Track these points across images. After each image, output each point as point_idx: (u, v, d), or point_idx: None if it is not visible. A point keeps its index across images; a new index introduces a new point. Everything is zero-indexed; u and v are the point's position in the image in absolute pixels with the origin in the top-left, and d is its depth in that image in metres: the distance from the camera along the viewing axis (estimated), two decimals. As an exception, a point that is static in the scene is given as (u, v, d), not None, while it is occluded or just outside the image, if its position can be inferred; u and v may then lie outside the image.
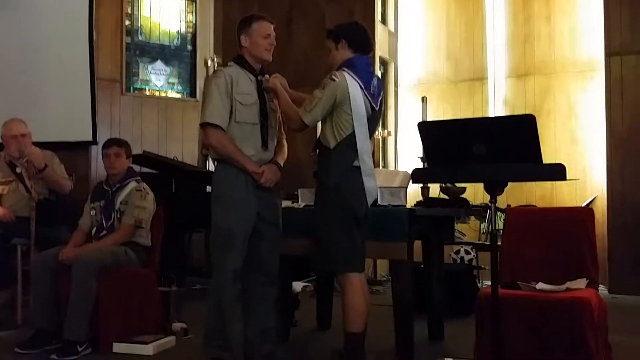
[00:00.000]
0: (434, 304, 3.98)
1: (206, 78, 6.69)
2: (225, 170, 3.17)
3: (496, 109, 6.81)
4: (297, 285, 4.85)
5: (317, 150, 3.28)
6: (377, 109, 3.25)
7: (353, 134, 3.11)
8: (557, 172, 2.46)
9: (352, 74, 3.14)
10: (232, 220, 3.12)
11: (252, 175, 3.14)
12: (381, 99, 3.30)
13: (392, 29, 7.35)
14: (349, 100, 3.09)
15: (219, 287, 3.13)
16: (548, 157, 2.48)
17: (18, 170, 4.45)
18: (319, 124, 3.36)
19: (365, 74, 3.20)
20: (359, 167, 3.13)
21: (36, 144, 4.55)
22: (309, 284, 5.39)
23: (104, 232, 3.93)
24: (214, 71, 3.35)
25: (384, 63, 7.21)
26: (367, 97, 3.17)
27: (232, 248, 3.11)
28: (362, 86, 3.14)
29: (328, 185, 3.14)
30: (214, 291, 3.18)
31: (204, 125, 3.17)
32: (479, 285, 5.25)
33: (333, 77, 3.13)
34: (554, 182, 5.67)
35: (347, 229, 3.10)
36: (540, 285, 3.06)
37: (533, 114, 2.53)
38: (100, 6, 6.42)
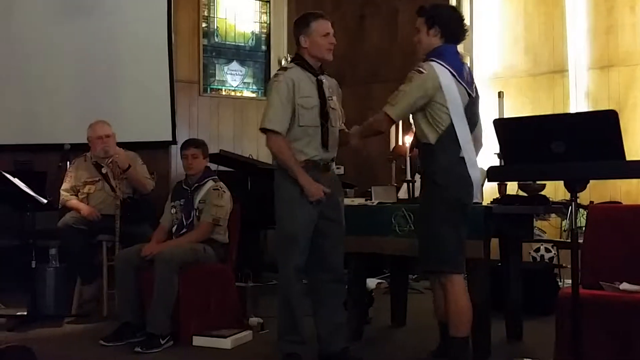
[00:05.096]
0: (511, 303, 3.90)
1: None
2: (288, 172, 3.17)
3: (578, 102, 6.54)
4: (371, 282, 4.84)
5: (417, 149, 3.20)
6: (473, 95, 3.11)
7: (452, 125, 2.97)
8: (642, 169, 2.37)
9: (442, 63, 2.99)
10: (294, 222, 3.15)
11: (301, 186, 3.11)
12: (475, 86, 3.16)
13: (467, 22, 7.17)
14: (442, 91, 2.95)
15: (285, 284, 3.20)
16: (633, 153, 2.39)
17: (104, 170, 4.66)
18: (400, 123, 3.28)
19: (455, 62, 3.05)
20: (463, 158, 3.01)
21: (119, 144, 4.74)
22: (383, 281, 5.38)
23: (184, 229, 4.06)
24: (275, 75, 3.28)
25: (458, 57, 7.08)
26: (461, 84, 3.03)
27: (295, 248, 3.15)
28: (455, 74, 3.00)
29: (436, 182, 3.02)
30: (281, 288, 3.24)
31: (264, 130, 3.19)
32: (560, 284, 5.09)
33: (421, 69, 2.98)
34: (639, 178, 5.41)
35: (456, 226, 3.00)
36: (623, 286, 2.94)
37: (616, 107, 2.45)
38: (178, 10, 6.60)
